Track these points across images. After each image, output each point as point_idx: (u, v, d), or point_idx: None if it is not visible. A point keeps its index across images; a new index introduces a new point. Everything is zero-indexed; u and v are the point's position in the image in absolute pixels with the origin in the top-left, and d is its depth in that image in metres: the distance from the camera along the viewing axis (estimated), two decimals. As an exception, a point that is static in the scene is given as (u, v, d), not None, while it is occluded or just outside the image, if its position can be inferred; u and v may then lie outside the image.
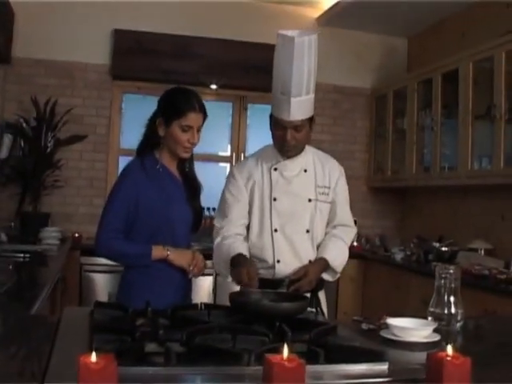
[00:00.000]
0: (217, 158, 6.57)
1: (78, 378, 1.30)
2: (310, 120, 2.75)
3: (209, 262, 2.89)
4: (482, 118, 4.71)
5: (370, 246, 6.22)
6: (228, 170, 6.51)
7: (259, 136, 6.40)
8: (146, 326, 2.02)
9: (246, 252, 2.71)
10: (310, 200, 2.84)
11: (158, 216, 2.64)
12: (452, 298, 2.35)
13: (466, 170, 4.84)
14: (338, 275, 2.89)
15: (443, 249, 5.11)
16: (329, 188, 2.87)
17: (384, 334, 2.11)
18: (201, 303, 2.30)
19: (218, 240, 2.81)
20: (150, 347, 1.77)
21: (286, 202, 2.81)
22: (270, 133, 2.82)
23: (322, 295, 2.92)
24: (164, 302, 2.36)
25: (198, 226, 2.86)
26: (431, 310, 2.40)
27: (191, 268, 2.69)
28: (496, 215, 5.02)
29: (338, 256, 2.82)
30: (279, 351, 1.49)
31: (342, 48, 6.42)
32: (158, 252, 2.63)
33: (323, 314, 2.84)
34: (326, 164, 2.92)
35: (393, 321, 2.14)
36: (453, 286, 2.36)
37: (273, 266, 2.78)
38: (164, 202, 2.66)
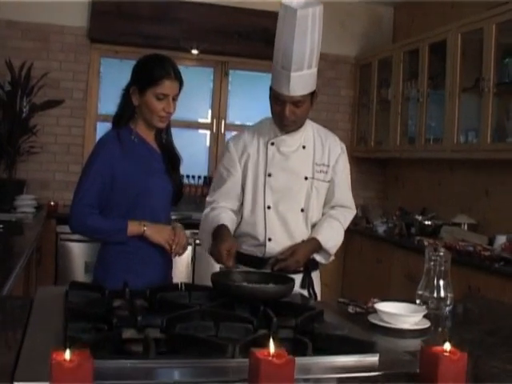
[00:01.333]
0: (197, 124, 6.46)
1: (50, 377, 1.20)
2: (312, 95, 2.64)
3: (188, 232, 2.81)
4: (469, 91, 4.63)
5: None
6: (208, 137, 6.43)
7: (240, 103, 6.35)
8: (124, 308, 1.95)
9: (229, 223, 2.63)
10: (306, 178, 2.75)
11: (135, 190, 2.54)
12: (441, 282, 2.29)
13: (452, 143, 4.77)
14: (332, 258, 2.80)
15: (426, 222, 5.07)
16: (328, 166, 2.78)
17: (372, 319, 2.05)
18: (181, 283, 2.22)
19: (206, 211, 2.75)
20: (128, 333, 1.68)
21: (282, 178, 2.71)
22: (269, 105, 2.70)
23: (315, 276, 2.84)
24: (143, 281, 2.32)
25: (179, 199, 2.77)
26: (419, 292, 2.33)
27: (173, 246, 2.59)
28: (480, 190, 4.97)
29: (331, 237, 2.73)
30: (265, 343, 1.41)
31: (326, 15, 6.20)
32: (133, 228, 2.53)
33: (315, 295, 2.77)
34: (327, 141, 2.81)
35: (381, 306, 2.08)
36: (442, 268, 2.28)
37: (264, 244, 2.71)
38: (141, 174, 2.56)
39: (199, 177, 6.21)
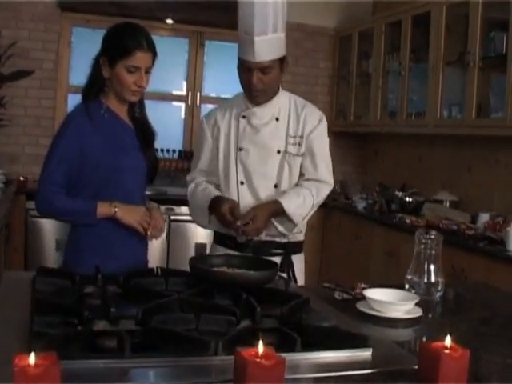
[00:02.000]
0: (171, 97, 6.29)
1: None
2: (281, 61, 2.54)
3: (163, 208, 2.72)
4: (453, 65, 4.52)
5: (330, 193, 6.07)
6: (183, 109, 6.32)
7: (217, 75, 6.21)
8: (96, 296, 1.84)
9: (218, 193, 2.64)
10: (278, 151, 2.64)
11: (106, 168, 2.40)
12: (432, 266, 2.20)
13: (435, 118, 4.66)
14: (297, 229, 2.66)
15: (407, 199, 5.00)
16: (301, 138, 2.66)
17: (361, 307, 1.97)
18: (157, 268, 2.12)
19: (191, 187, 2.72)
20: (101, 325, 1.57)
21: (253, 152, 2.63)
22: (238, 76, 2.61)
23: (298, 260, 2.75)
24: (116, 265, 2.22)
25: (153, 177, 2.64)
26: (409, 277, 2.24)
27: (149, 230, 2.45)
28: (463, 167, 4.89)
29: (297, 204, 2.59)
30: (249, 337, 1.34)
31: (306, -16, 6.11)
32: (103, 209, 2.39)
33: (295, 280, 2.67)
34: (303, 111, 2.69)
35: (370, 293, 1.99)
36: (433, 252, 2.20)
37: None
38: (112, 151, 2.42)
39: (174, 151, 6.09)
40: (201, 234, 5.10)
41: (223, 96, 5.94)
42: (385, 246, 4.77)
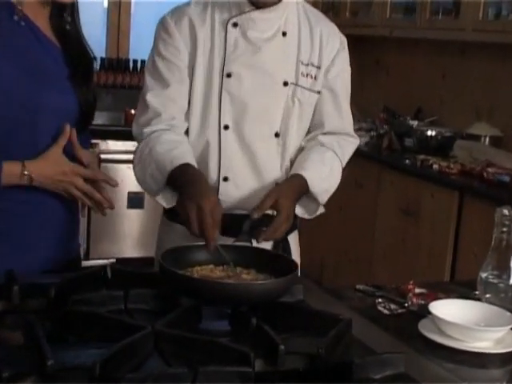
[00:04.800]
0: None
1: None
2: None
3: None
4: None
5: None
6: (106, 3, 6.31)
7: None
8: (12, 325, 1.70)
9: (194, 162, 2.36)
10: (285, 83, 2.45)
11: (14, 108, 2.24)
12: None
13: (474, 18, 4.55)
14: (321, 210, 2.54)
15: (429, 133, 4.91)
16: (318, 68, 2.50)
17: (427, 332, 1.86)
18: (106, 267, 1.98)
19: (145, 134, 2.43)
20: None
21: (248, 81, 2.44)
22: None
23: (293, 238, 2.63)
24: (34, 258, 2.22)
25: (88, 123, 2.48)
26: (484, 275, 2.09)
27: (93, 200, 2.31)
28: (509, 88, 4.76)
29: (323, 177, 2.46)
30: None
31: None
32: (11, 173, 2.22)
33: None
34: (318, 27, 2.51)
35: (440, 310, 1.88)
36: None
37: (216, 187, 2.46)
38: (26, 81, 2.25)
39: (94, 58, 5.80)
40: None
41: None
42: (399, 200, 4.71)
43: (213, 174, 2.46)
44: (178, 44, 2.46)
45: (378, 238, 4.83)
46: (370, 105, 6.01)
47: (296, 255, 2.62)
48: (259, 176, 2.49)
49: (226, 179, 2.46)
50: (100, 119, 5.20)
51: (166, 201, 2.34)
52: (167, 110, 2.44)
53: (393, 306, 2.03)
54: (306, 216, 2.52)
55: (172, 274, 1.80)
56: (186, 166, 2.28)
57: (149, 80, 2.50)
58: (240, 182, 2.48)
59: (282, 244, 2.53)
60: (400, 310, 2.01)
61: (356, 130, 5.23)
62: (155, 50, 2.51)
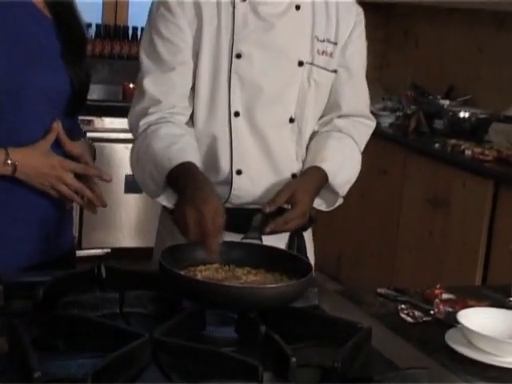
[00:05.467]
0: None
1: None
2: None
3: None
4: None
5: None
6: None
7: None
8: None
9: (198, 159, 2.34)
10: (300, 63, 2.46)
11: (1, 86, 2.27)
12: None
13: None
14: (340, 201, 2.56)
15: (462, 114, 4.88)
16: (335, 44, 2.50)
17: (455, 344, 1.86)
18: (99, 266, 1.98)
19: (141, 128, 2.42)
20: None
21: (260, 62, 2.45)
22: None
23: (307, 237, 2.65)
24: (21, 254, 2.26)
25: (80, 106, 2.51)
26: None
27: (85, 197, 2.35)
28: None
29: (343, 168, 2.49)
30: None
31: None
32: None
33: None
34: None
35: (470, 320, 1.88)
36: None
37: (228, 181, 2.46)
38: (13, 59, 2.28)
39: (89, 25, 6.06)
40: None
41: None
42: (426, 190, 4.73)
43: (224, 167, 2.47)
44: (180, 22, 2.45)
45: (402, 231, 4.85)
46: (397, 81, 6.04)
47: (311, 253, 2.66)
48: (274, 167, 2.50)
49: (239, 172, 2.47)
50: (95, 93, 5.22)
51: (168, 201, 2.33)
52: (167, 98, 2.43)
53: (417, 314, 2.03)
54: (324, 208, 2.54)
55: (173, 275, 1.81)
56: (185, 166, 2.25)
57: (146, 62, 2.48)
58: (254, 174, 2.49)
59: (297, 241, 2.56)
60: (425, 318, 2.01)
61: (380, 110, 5.34)
62: (153, 27, 2.49)
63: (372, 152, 4.86)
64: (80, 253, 5.02)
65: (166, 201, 2.34)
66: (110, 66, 5.81)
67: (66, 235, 2.51)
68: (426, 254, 4.60)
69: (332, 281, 5.40)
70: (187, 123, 2.47)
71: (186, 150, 2.34)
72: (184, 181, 2.22)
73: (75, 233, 5.09)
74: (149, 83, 2.46)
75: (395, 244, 4.95)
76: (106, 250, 5.37)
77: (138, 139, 2.42)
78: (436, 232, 4.50)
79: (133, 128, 2.45)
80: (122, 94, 5.58)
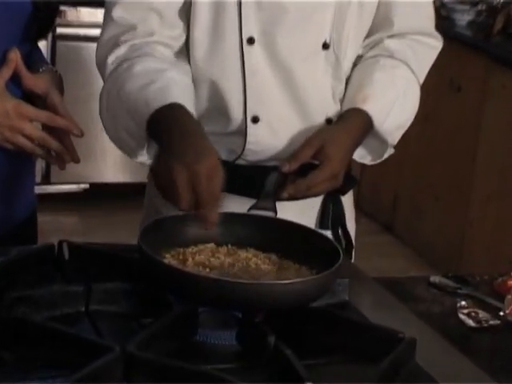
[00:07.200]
0: None
1: None
2: None
3: None
4: None
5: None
6: None
7: None
8: None
9: (188, 99, 2.30)
10: None
11: None
12: None
13: None
14: (391, 151, 2.55)
15: None
16: None
17: None
18: (60, 244, 2.03)
19: (110, 66, 2.39)
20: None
21: None
22: None
23: (347, 202, 2.67)
24: None
25: (46, 30, 2.59)
26: None
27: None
28: None
29: (394, 108, 2.48)
30: None
31: None
32: None
33: (350, 246, 2.63)
34: None
35: None
36: None
37: (241, 132, 2.46)
38: None
39: None
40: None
41: None
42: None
43: (236, 114, 2.46)
44: None
45: (479, 168, 4.88)
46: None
47: (351, 222, 2.67)
48: (303, 111, 2.49)
49: (255, 120, 2.46)
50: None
51: (151, 158, 2.28)
52: (145, 22, 2.39)
53: (482, 315, 2.04)
54: (368, 161, 2.55)
55: (154, 263, 1.82)
56: (168, 108, 2.20)
57: None
58: (276, 121, 2.48)
59: (334, 207, 2.57)
60: (492, 322, 2.02)
61: (455, 3, 5.32)
62: None
63: (441, 61, 4.90)
64: (48, 188, 5.06)
65: (146, 158, 2.30)
66: None
67: (27, 197, 2.56)
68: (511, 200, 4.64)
69: (385, 232, 5.45)
70: (177, 58, 2.43)
71: (170, 87, 2.28)
72: (167, 128, 2.17)
73: (42, 162, 5.12)
74: (119, 11, 2.42)
75: (470, 186, 4.98)
76: (82, 186, 5.37)
77: (108, 81, 2.39)
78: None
79: (100, 66, 2.43)
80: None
